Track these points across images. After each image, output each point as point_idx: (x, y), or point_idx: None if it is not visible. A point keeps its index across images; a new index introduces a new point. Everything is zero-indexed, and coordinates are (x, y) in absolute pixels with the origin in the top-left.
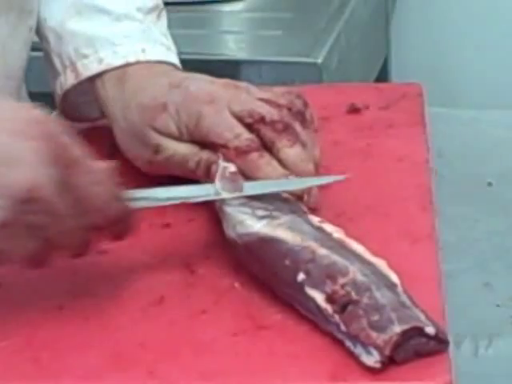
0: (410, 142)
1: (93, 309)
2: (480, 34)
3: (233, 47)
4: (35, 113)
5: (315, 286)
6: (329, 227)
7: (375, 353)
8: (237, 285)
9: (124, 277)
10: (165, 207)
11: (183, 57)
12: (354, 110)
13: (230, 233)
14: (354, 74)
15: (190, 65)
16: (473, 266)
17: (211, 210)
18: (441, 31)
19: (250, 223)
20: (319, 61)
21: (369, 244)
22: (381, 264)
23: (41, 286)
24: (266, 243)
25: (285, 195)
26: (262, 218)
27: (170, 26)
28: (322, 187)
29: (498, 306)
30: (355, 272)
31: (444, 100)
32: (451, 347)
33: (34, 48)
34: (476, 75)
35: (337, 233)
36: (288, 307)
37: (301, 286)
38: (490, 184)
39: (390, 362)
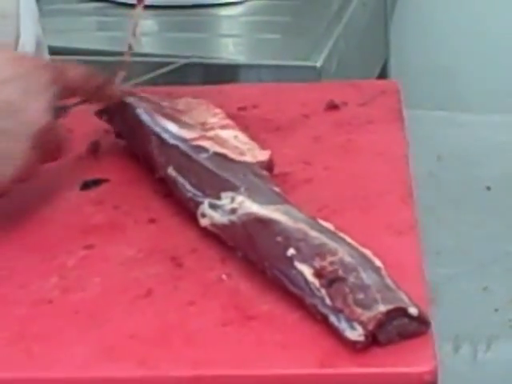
0: (388, 137)
1: (82, 302)
2: (479, 37)
3: (232, 51)
4: None
5: (304, 261)
6: (320, 220)
7: (359, 327)
8: (224, 277)
9: (111, 271)
10: (150, 202)
11: (182, 61)
12: (332, 106)
13: (225, 217)
14: (353, 77)
15: (189, 68)
16: (471, 270)
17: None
18: (440, 35)
19: (249, 206)
20: (318, 64)
21: (352, 236)
22: (366, 252)
23: (30, 280)
24: (261, 223)
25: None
26: (261, 203)
27: (169, 30)
28: (304, 181)
29: (496, 310)
30: (344, 253)
31: (443, 104)
32: (449, 350)
33: None
34: (475, 79)
35: (327, 225)
36: (275, 298)
37: (290, 260)
38: (488, 188)
39: (374, 343)
